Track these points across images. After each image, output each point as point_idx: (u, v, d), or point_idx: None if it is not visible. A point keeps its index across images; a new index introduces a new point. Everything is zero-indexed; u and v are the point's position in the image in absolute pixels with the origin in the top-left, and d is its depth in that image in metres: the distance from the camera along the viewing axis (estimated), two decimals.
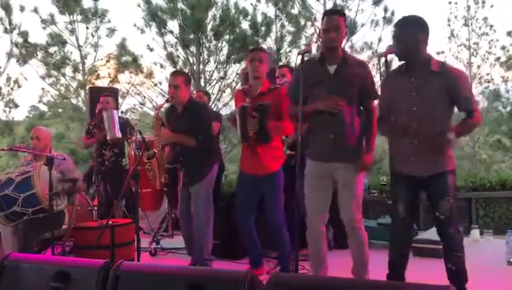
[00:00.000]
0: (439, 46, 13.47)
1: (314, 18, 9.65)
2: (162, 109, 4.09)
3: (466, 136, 3.03)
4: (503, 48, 12.92)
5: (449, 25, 13.70)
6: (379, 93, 3.08)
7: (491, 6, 13.32)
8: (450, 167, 2.80)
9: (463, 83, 2.79)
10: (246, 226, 3.75)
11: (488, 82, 13.20)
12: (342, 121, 3.00)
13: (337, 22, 2.96)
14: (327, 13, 3.07)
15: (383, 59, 2.75)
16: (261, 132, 3.48)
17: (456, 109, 2.86)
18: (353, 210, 3.02)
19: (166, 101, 3.95)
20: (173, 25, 8.89)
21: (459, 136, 2.79)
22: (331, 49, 3.03)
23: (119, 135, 5.04)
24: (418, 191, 2.91)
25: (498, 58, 13.13)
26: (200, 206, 3.79)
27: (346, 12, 9.06)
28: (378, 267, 3.04)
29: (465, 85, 2.81)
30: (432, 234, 4.47)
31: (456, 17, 13.64)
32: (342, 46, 3.14)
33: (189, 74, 7.20)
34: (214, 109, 8.16)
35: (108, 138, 5.04)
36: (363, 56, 9.19)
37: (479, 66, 13.44)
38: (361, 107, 3.11)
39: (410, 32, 2.76)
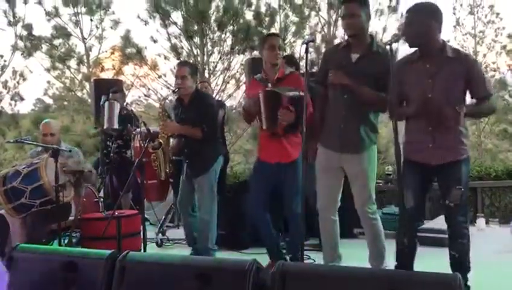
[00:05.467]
0: (444, 35, 13.29)
1: (319, 8, 9.56)
2: (167, 101, 4.08)
3: (476, 118, 3.01)
4: (509, 36, 12.75)
5: (454, 14, 13.51)
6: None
7: None
8: (464, 156, 2.79)
9: (479, 68, 2.80)
10: (262, 218, 3.56)
11: (494, 71, 13.04)
12: (353, 110, 3.01)
13: (351, 9, 2.99)
14: (343, 1, 3.10)
15: (388, 47, 2.73)
16: (294, 124, 3.31)
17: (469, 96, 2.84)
18: (363, 199, 3.08)
19: (173, 92, 3.94)
20: (177, 16, 8.85)
21: (470, 115, 2.78)
22: (353, 36, 3.06)
23: (116, 125, 5.02)
24: (430, 179, 2.89)
25: (504, 47, 12.95)
26: (204, 197, 3.80)
27: None
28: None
29: (481, 72, 2.83)
30: (436, 223, 4.47)
31: (461, 5, 13.40)
32: (371, 33, 3.13)
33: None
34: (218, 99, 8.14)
35: (104, 127, 5.03)
36: None
37: (484, 55, 13.23)
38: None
39: (423, 18, 2.74)
